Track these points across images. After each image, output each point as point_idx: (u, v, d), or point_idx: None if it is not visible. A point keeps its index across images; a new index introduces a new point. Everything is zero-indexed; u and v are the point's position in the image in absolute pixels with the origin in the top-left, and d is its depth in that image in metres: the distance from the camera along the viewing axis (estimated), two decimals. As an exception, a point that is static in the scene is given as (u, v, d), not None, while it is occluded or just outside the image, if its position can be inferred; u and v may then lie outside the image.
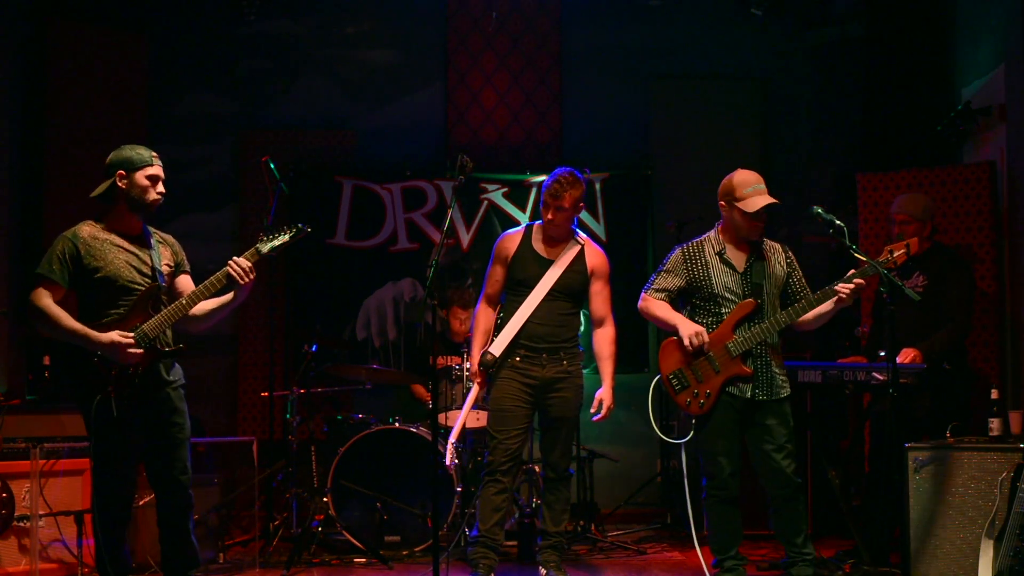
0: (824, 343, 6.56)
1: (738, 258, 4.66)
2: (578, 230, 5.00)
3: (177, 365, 4.36)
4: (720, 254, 4.66)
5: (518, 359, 4.83)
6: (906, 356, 5.04)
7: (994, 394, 4.69)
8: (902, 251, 4.46)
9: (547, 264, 4.88)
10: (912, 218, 5.26)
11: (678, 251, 4.76)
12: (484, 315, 4.98)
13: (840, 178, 7.34)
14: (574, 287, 4.90)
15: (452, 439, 4.83)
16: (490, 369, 4.82)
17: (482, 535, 4.84)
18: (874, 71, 7.08)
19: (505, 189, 7.41)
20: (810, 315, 4.59)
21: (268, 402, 6.48)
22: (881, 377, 4.96)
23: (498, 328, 4.90)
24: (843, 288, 4.44)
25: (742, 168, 4.67)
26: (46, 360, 5.89)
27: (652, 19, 7.70)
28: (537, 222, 4.99)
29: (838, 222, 4.44)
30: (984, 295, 5.79)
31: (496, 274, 4.97)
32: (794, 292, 4.70)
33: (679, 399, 4.62)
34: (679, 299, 4.79)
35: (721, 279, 4.63)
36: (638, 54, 7.71)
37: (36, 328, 4.19)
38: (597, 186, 7.38)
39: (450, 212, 4.42)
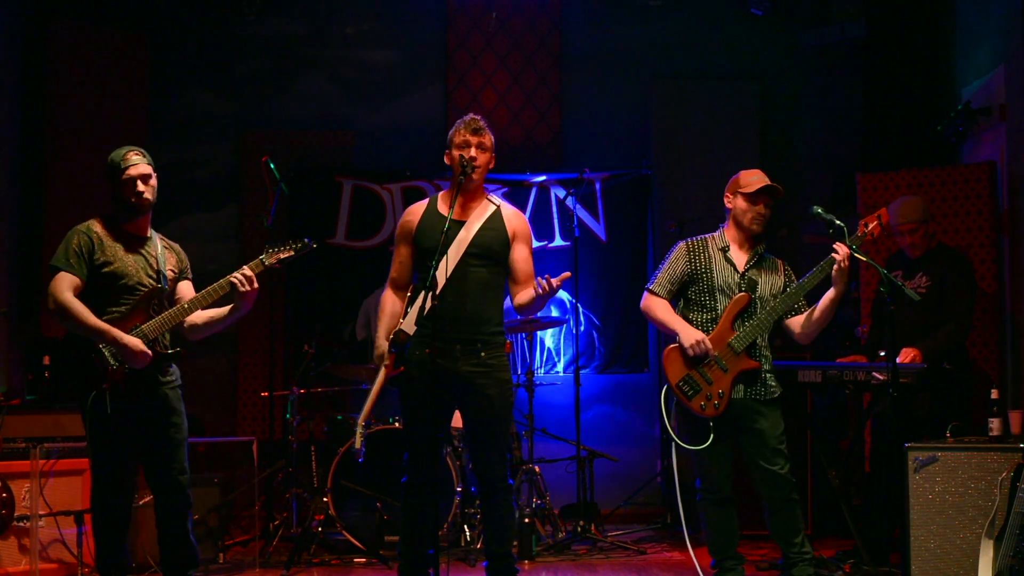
0: (824, 343, 6.56)
1: (740, 258, 4.67)
2: (490, 192, 4.43)
3: (174, 365, 4.37)
4: (724, 250, 4.67)
5: (427, 350, 4.07)
6: (906, 356, 5.04)
7: (994, 394, 4.68)
8: (875, 222, 4.49)
9: (458, 226, 4.22)
10: (918, 223, 5.28)
11: (682, 244, 4.75)
12: (391, 299, 4.38)
13: (840, 178, 7.34)
14: (492, 247, 4.24)
15: (361, 421, 4.36)
16: (403, 350, 4.18)
17: (406, 554, 4.31)
18: (874, 71, 7.08)
19: (505, 189, 7.40)
20: (804, 317, 4.58)
21: (268, 402, 6.49)
22: (881, 377, 4.96)
23: (410, 304, 4.25)
24: (838, 250, 4.39)
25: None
26: (46, 360, 5.90)
27: (652, 19, 7.69)
28: (442, 191, 4.47)
29: (838, 222, 4.45)
30: (984, 295, 5.79)
31: (401, 254, 4.38)
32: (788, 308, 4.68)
33: (693, 404, 4.58)
34: (677, 294, 4.75)
35: (722, 275, 4.63)
36: (638, 54, 7.70)
37: (57, 321, 4.19)
38: (597, 186, 7.36)
39: (450, 212, 4.32)
